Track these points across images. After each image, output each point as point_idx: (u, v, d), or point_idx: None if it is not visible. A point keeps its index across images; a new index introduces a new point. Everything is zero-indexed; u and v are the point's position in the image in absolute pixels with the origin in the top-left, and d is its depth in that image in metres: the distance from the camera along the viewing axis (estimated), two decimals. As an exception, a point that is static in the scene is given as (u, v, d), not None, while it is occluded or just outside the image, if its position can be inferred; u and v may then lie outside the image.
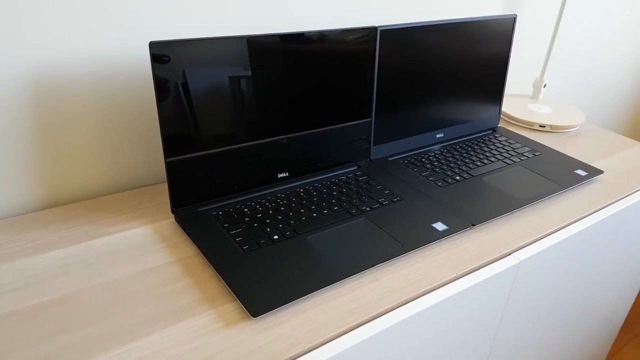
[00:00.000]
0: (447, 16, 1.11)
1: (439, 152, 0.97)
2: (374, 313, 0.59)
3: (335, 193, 0.80)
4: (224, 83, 0.70)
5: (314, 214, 0.74)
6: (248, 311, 0.56)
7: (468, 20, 0.95)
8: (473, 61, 1.00)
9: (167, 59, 0.65)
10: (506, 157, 0.96)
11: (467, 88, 1.01)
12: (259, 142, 0.76)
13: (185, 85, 0.67)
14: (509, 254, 0.71)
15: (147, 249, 0.67)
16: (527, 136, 1.08)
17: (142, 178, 0.84)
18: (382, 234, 0.71)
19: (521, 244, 0.73)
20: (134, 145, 0.81)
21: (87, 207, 0.76)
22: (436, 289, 0.64)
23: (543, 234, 0.75)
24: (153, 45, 0.63)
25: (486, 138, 1.04)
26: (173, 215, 0.74)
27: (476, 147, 1.00)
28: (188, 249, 0.68)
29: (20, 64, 0.67)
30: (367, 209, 0.76)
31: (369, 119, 0.88)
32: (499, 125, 1.12)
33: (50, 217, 0.73)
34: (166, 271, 0.64)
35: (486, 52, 1.01)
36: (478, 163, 0.93)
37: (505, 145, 1.01)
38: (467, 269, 0.67)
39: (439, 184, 0.85)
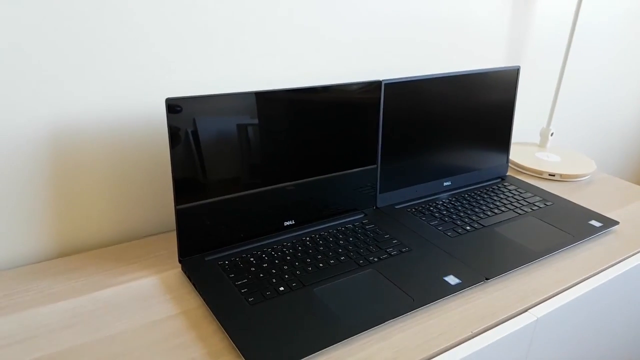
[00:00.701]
0: (453, 68, 1.13)
1: (447, 200, 0.96)
2: (384, 373, 0.57)
3: (341, 242, 0.78)
4: (232, 132, 0.70)
5: (320, 264, 0.72)
6: (254, 370, 0.54)
7: (472, 72, 0.96)
8: (479, 111, 1.00)
9: (179, 109, 0.65)
10: (517, 207, 0.95)
11: (473, 137, 1.01)
12: (266, 189, 0.76)
13: (195, 134, 0.67)
14: (526, 310, 0.69)
15: (152, 301, 0.66)
16: (537, 185, 1.07)
17: (151, 227, 0.83)
18: (391, 287, 0.69)
19: (538, 299, 0.70)
20: (144, 194, 0.81)
21: (97, 256, 0.75)
22: (450, 348, 0.62)
23: (560, 289, 0.73)
24: (170, 100, 0.64)
25: (495, 187, 1.03)
26: (180, 264, 0.73)
27: (485, 195, 0.99)
28: (193, 301, 0.66)
29: (40, 118, 0.68)
30: (375, 259, 0.75)
31: (375, 167, 0.87)
32: (507, 173, 1.11)
33: (61, 266, 0.72)
34: (171, 324, 0.62)
35: (491, 102, 1.01)
36: (488, 212, 0.92)
37: (515, 195, 1.00)
38: (482, 327, 0.65)
39: (449, 234, 0.84)
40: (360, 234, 0.81)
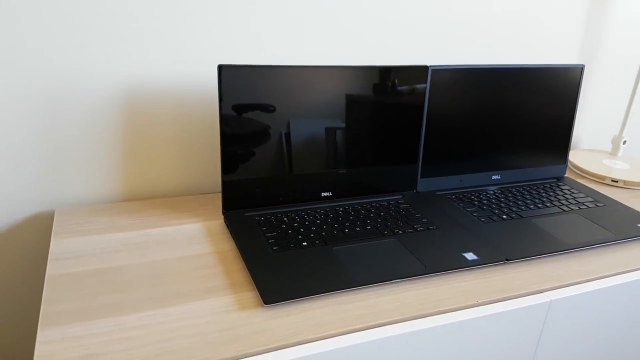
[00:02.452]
0: (519, 61, 1.12)
1: (492, 192, 0.97)
2: (382, 321, 0.61)
3: (372, 215, 0.83)
4: (280, 125, 0.79)
5: (346, 229, 0.78)
6: (261, 298, 0.61)
7: (530, 66, 0.96)
8: (536, 108, 0.99)
9: (230, 77, 0.75)
10: (564, 204, 0.93)
11: (529, 134, 1.00)
12: (307, 172, 0.84)
13: (243, 107, 0.77)
14: (540, 292, 0.69)
15: (193, 241, 0.76)
16: (596, 189, 1.04)
17: (207, 185, 0.94)
18: (407, 255, 0.72)
19: (556, 285, 0.70)
20: (204, 156, 0.92)
21: (156, 204, 0.87)
22: (452, 311, 0.64)
23: (582, 279, 0.72)
24: (222, 66, 0.75)
25: (547, 185, 1.02)
26: (223, 216, 0.83)
27: (534, 192, 0.98)
28: (227, 244, 0.75)
29: (116, 77, 0.82)
30: (400, 232, 0.79)
31: (416, 152, 0.91)
32: (565, 175, 1.08)
33: (126, 207, 0.85)
34: (204, 259, 0.71)
35: (551, 100, 1.00)
36: (531, 206, 0.91)
37: (566, 193, 0.98)
38: (490, 299, 0.66)
39: (483, 219, 0.85)
40: (392, 211, 0.85)
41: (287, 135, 0.81)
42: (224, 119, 0.77)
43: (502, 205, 0.91)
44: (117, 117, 0.84)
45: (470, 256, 0.74)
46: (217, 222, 0.82)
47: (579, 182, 1.05)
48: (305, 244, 0.73)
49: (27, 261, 0.87)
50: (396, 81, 0.86)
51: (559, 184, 1.03)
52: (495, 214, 0.88)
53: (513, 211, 0.89)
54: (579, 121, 1.27)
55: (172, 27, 0.82)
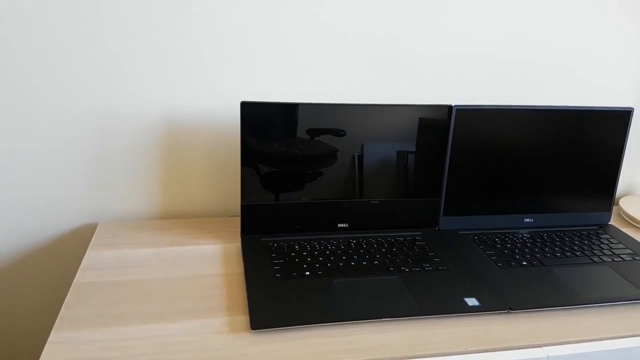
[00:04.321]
0: (574, 103, 1.08)
1: (521, 236, 0.93)
2: (360, 358, 0.62)
3: (384, 250, 0.84)
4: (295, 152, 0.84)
5: (353, 262, 0.80)
6: (250, 323, 0.65)
7: (570, 108, 0.92)
8: (577, 151, 0.95)
9: (251, 112, 0.81)
10: (596, 254, 0.88)
11: (568, 178, 0.96)
12: (327, 201, 0.87)
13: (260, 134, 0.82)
14: (538, 346, 0.67)
15: (209, 261, 0.82)
16: (643, 240, 0.96)
17: (234, 209, 1.01)
18: (406, 295, 0.73)
19: (557, 340, 0.67)
20: (234, 180, 0.99)
21: (187, 223, 0.95)
22: (435, 356, 0.64)
23: (588, 338, 0.68)
24: (244, 103, 0.81)
25: (585, 232, 0.96)
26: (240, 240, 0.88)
27: (567, 239, 0.93)
28: (238, 267, 0.80)
29: (157, 107, 0.91)
30: (407, 270, 0.79)
31: (439, 190, 0.91)
32: (609, 222, 1.01)
33: (160, 225, 0.94)
34: (213, 279, 0.77)
35: (595, 144, 0.95)
36: (558, 254, 0.87)
37: (603, 243, 0.92)
38: (479, 348, 0.65)
39: (499, 264, 0.83)
40: (405, 247, 0.86)
41: (308, 163, 0.85)
42: (244, 148, 0.83)
43: (527, 250, 0.88)
44: (157, 142, 0.93)
45: (471, 301, 0.72)
46: (235, 244, 0.87)
47: (624, 232, 0.98)
48: (307, 273, 0.76)
49: (70, 269, 0.98)
50: (423, 119, 0.87)
51: (598, 232, 0.97)
52: (515, 259, 0.85)
53: (536, 258, 0.86)
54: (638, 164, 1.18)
55: (207, 66, 0.90)
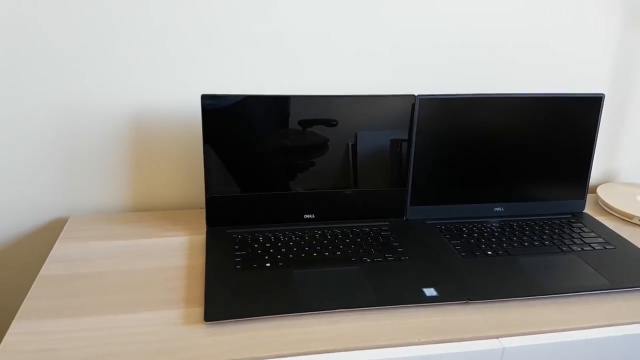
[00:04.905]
0: (544, 89, 1.06)
1: (490, 225, 0.93)
2: (312, 349, 0.62)
3: (347, 240, 0.84)
4: (265, 142, 0.83)
5: (315, 253, 0.80)
6: (204, 315, 0.66)
7: (540, 95, 0.91)
8: (548, 138, 0.94)
9: (212, 103, 0.81)
10: (564, 244, 0.87)
11: (539, 166, 0.95)
12: (290, 192, 0.87)
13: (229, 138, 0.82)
14: (495, 337, 0.66)
15: (174, 253, 0.82)
16: (617, 230, 0.95)
17: (203, 201, 1.01)
18: (364, 285, 0.73)
19: (516, 332, 0.67)
20: (201, 174, 0.99)
21: (157, 216, 0.95)
22: (388, 347, 0.64)
23: (546, 329, 0.68)
24: (204, 97, 0.80)
25: (557, 221, 0.95)
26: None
27: (537, 227, 0.93)
28: (201, 259, 0.81)
29: (124, 100, 0.91)
30: (368, 260, 0.79)
31: (406, 179, 0.91)
32: (584, 211, 1.00)
33: (130, 217, 0.94)
34: (176, 271, 0.77)
35: (566, 131, 0.94)
36: (526, 243, 0.87)
37: (574, 232, 0.92)
38: (433, 339, 0.65)
39: (463, 254, 0.83)
40: (370, 238, 0.86)
41: (274, 154, 0.85)
42: (206, 140, 0.83)
43: (494, 240, 0.88)
44: (125, 135, 0.93)
45: (429, 292, 0.72)
46: (201, 236, 0.88)
47: (598, 220, 0.97)
48: (268, 265, 0.77)
49: (40, 263, 0.99)
50: (387, 108, 0.86)
51: (571, 220, 0.96)
52: (480, 249, 0.85)
53: (502, 247, 0.85)
54: (620, 150, 1.17)
55: (174, 61, 0.90)
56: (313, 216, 0.89)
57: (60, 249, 0.83)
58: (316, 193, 0.88)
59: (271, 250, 0.80)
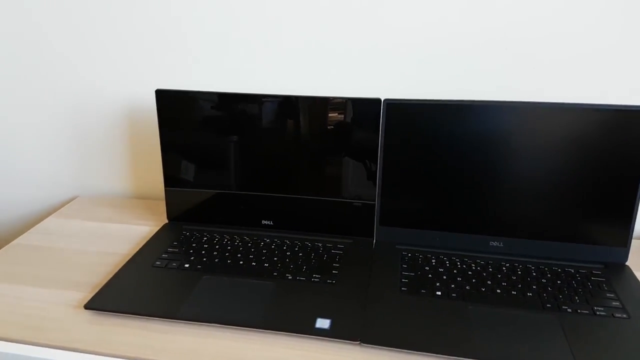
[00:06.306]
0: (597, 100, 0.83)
1: (479, 264, 0.75)
2: (154, 357, 0.59)
3: (289, 253, 0.77)
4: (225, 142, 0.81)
5: (241, 262, 0.75)
6: (86, 302, 0.67)
7: (547, 104, 0.71)
8: (568, 158, 0.73)
9: (169, 102, 0.82)
10: (555, 302, 0.66)
11: (558, 193, 0.74)
12: (249, 193, 0.84)
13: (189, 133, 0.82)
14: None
15: (127, 240, 0.85)
16: (663, 293, 0.68)
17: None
18: (263, 303, 0.65)
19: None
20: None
21: (144, 204, 1.00)
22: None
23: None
24: (159, 92, 0.81)
25: (573, 270, 0.73)
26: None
27: (539, 275, 0.72)
28: (137, 248, 0.82)
29: (123, 98, 0.97)
30: (289, 277, 0.71)
31: (373, 195, 0.79)
32: (626, 263, 0.75)
33: (125, 203, 1.01)
34: (112, 258, 0.80)
35: (596, 148, 0.71)
36: (498, 290, 0.68)
37: (585, 287, 0.69)
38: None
39: (404, 289, 0.69)
40: (314, 255, 0.77)
41: (236, 155, 0.82)
42: (163, 137, 0.84)
43: (461, 279, 0.71)
44: (121, 125, 1.00)
45: (323, 323, 0.62)
46: (156, 228, 0.90)
47: (636, 277, 0.71)
48: (187, 265, 0.74)
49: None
50: (351, 114, 0.77)
51: (595, 272, 0.73)
52: (433, 287, 0.69)
53: (465, 290, 0.68)
54: None
55: (165, 60, 0.93)
56: (271, 222, 0.84)
57: (47, 222, 0.93)
58: (277, 197, 0.82)
59: (202, 252, 0.78)
